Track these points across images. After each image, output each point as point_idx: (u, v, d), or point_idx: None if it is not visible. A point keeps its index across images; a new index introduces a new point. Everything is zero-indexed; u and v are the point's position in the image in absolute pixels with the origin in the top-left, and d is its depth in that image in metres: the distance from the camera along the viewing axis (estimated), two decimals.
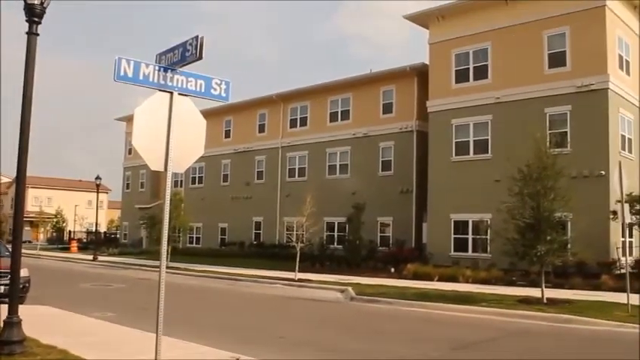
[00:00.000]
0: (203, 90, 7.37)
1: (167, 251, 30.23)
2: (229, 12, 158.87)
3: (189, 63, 6.90)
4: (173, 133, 6.94)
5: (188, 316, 13.90)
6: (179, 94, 7.08)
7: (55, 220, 71.09)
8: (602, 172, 24.40)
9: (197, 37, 6.73)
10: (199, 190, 47.37)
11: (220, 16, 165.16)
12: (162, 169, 6.93)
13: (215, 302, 18.79)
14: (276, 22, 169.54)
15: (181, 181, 48.69)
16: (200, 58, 6.74)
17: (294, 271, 24.49)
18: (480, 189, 27.26)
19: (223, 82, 7.51)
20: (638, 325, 13.32)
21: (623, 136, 26.55)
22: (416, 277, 25.13)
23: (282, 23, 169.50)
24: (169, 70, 7.03)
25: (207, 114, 41.64)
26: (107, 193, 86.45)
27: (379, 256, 31.54)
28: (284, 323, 14.04)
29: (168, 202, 7.09)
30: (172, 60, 7.04)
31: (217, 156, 45.68)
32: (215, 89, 7.46)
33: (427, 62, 31.64)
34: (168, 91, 7.01)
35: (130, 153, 55.04)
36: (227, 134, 46.54)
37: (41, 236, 67.73)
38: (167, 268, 26.12)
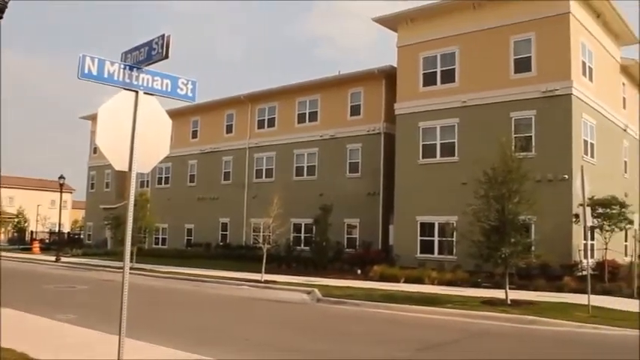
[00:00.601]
0: (169, 89, 7.29)
1: (132, 252, 29.77)
2: (198, 12, 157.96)
3: (156, 62, 6.81)
4: (138, 133, 6.84)
5: (152, 318, 13.75)
6: (145, 93, 6.99)
7: (16, 220, 69.74)
8: (566, 176, 24.78)
9: (163, 35, 6.65)
10: (166, 191, 46.95)
11: (189, 15, 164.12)
12: (126, 169, 6.83)
13: (180, 304, 18.62)
14: (244, 23, 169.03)
15: (147, 181, 48.19)
16: (166, 57, 6.66)
17: (260, 272, 24.39)
18: (446, 191, 27.49)
19: (190, 82, 7.44)
20: (599, 327, 13.61)
21: (585, 141, 27.00)
22: (382, 278, 25.22)
23: (251, 24, 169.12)
24: (135, 69, 6.93)
25: (174, 114, 41.37)
26: (71, 192, 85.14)
27: (346, 258, 31.60)
28: (249, 325, 13.97)
29: (133, 202, 7.00)
30: (138, 58, 6.94)
31: (184, 156, 45.33)
32: (181, 89, 7.39)
33: (395, 65, 31.79)
34: (134, 90, 6.91)
35: (95, 152, 54.28)
36: (194, 134, 46.20)
37: (2, 237, 66.39)
38: (132, 269, 25.76)
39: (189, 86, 7.43)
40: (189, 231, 45.03)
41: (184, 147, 45.11)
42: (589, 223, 17.45)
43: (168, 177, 47.75)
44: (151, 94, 7.11)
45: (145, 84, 7.01)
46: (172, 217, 44.70)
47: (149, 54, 6.81)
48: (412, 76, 30.23)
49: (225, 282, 24.62)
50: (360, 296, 18.91)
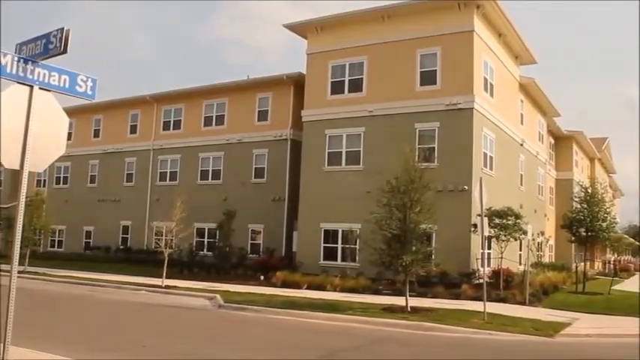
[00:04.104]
0: (67, 86, 6.95)
1: (25, 255, 28.28)
2: (103, 9, 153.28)
3: (53, 56, 6.49)
4: (32, 130, 6.49)
5: (41, 325, 13.11)
6: (40, 88, 6.65)
7: None
8: (466, 187, 25.56)
9: (62, 29, 6.34)
10: (64, 191, 45.03)
11: (94, 13, 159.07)
12: (17, 167, 6.47)
13: (74, 309, 17.88)
14: (152, 22, 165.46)
15: (44, 180, 46.08)
16: (65, 51, 6.35)
17: (161, 277, 23.82)
18: (350, 199, 27.74)
19: (90, 79, 7.13)
20: (493, 332, 14.09)
21: (485, 154, 27.96)
22: (285, 285, 25.18)
23: (160, 23, 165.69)
24: (30, 62, 6.58)
25: (74, 111, 39.90)
26: None
27: (249, 264, 31.37)
28: (146, 331, 13.56)
29: (24, 202, 6.64)
30: (34, 51, 6.60)
31: (84, 156, 43.69)
32: (80, 86, 7.06)
33: (304, 72, 31.90)
34: (28, 85, 6.56)
35: None
36: (96, 134, 44.58)
37: None
38: (25, 272, 24.57)
39: (89, 83, 7.13)
40: (88, 233, 43.41)
41: (85, 146, 43.55)
42: (486, 233, 18.08)
43: (67, 177, 45.80)
44: (48, 90, 6.76)
45: (40, 79, 6.67)
46: (70, 219, 42.97)
47: (46, 47, 6.48)
48: (320, 83, 30.41)
49: (123, 287, 23.87)
50: (261, 302, 18.76)
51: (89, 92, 7.14)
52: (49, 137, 6.76)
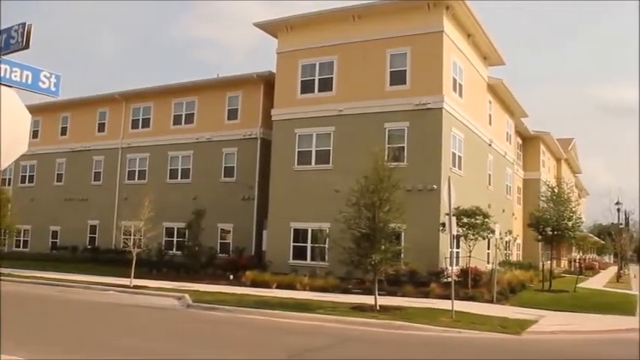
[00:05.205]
0: (30, 82, 6.77)
1: None
2: (72, 6, 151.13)
3: (14, 51, 6.33)
4: None
5: (5, 326, 12.84)
6: (1, 84, 6.49)
7: None
8: (435, 187, 25.72)
9: (24, 24, 6.20)
10: (29, 190, 44.22)
11: (63, 10, 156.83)
12: None
13: (39, 310, 17.58)
14: (122, 20, 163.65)
15: (9, 179, 45.28)
16: (27, 47, 6.21)
17: (130, 277, 23.56)
18: (320, 198, 27.72)
19: (53, 76, 6.95)
20: (462, 330, 14.21)
21: (454, 154, 28.18)
22: (254, 284, 25.10)
23: (129, 20, 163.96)
24: None
25: (40, 109, 39.28)
26: None
27: (219, 263, 31.17)
28: (115, 331, 13.39)
29: None
30: None
31: (51, 154, 43.00)
32: (44, 82, 6.89)
33: (274, 71, 31.82)
34: None
35: None
36: (63, 131, 43.86)
37: None
38: None
39: (53, 80, 6.96)
40: (55, 233, 42.73)
41: (52, 144, 42.87)
42: (454, 232, 18.23)
43: (32, 175, 45.01)
44: (9, 86, 6.61)
45: (2, 75, 6.49)
46: (36, 219, 42.25)
47: (7, 42, 6.33)
48: (290, 82, 30.36)
49: (91, 287, 23.55)
50: (232, 302, 18.68)
51: (53, 89, 6.98)
52: (10, 135, 6.59)
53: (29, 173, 45.02)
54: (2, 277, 26.01)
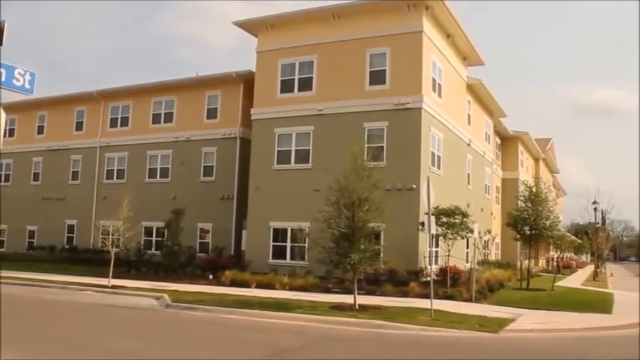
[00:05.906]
0: (4, 79, 6.70)
1: None
2: (50, 5, 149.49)
3: None
4: None
5: None
6: None
7: None
8: (414, 186, 25.79)
9: None
10: (5, 189, 43.66)
11: (41, 8, 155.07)
12: None
13: (15, 310, 17.33)
14: (102, 17, 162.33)
15: None
16: (0, 43, 6.14)
17: (108, 277, 23.36)
18: (299, 198, 27.72)
19: (28, 73, 6.89)
20: (440, 329, 14.27)
21: (433, 153, 28.30)
22: (234, 284, 25.01)
23: (109, 18, 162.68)
24: None
25: (17, 107, 38.83)
26: None
27: (198, 263, 31.06)
28: (92, 332, 13.26)
29: None
30: None
31: (27, 153, 42.59)
32: (18, 80, 6.82)
33: (254, 70, 31.73)
34: None
35: None
36: (40, 130, 43.41)
37: None
38: None
39: (27, 77, 6.89)
40: (32, 233, 42.30)
41: (28, 143, 42.49)
42: (433, 231, 18.28)
43: (9, 174, 44.53)
44: None
45: None
46: (12, 218, 41.80)
47: None
48: (270, 82, 30.30)
49: (68, 287, 23.33)
50: (211, 302, 18.62)
51: (27, 87, 6.92)
52: None
53: (5, 172, 44.53)
54: None
